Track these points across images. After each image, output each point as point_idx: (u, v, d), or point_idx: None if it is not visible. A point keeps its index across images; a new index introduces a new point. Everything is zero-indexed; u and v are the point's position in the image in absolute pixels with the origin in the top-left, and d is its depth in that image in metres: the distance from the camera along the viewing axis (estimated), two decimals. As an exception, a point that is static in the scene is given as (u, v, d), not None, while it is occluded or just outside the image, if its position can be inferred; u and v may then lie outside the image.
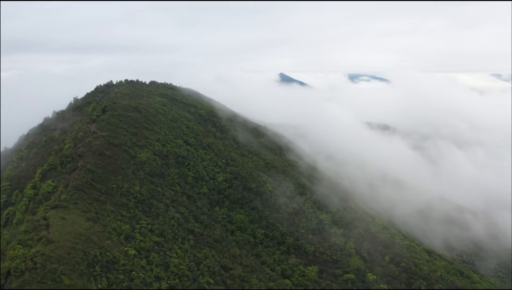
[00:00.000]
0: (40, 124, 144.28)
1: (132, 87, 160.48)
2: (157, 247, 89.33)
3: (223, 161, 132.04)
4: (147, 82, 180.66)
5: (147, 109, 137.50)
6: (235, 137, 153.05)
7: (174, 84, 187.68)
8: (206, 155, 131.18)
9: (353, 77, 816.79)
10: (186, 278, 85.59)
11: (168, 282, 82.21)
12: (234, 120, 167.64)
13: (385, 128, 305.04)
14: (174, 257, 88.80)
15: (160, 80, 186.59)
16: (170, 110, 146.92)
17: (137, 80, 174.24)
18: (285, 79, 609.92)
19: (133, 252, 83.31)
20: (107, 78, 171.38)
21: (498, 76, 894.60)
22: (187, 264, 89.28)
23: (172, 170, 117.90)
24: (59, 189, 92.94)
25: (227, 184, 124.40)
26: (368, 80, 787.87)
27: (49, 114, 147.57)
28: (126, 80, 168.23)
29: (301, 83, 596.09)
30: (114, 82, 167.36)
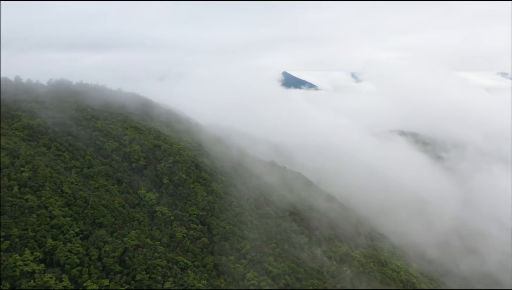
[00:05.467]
0: None
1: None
2: None
3: None
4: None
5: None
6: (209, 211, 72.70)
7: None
8: None
9: (356, 76, 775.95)
10: None
11: None
12: (202, 164, 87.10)
13: (400, 134, 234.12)
14: None
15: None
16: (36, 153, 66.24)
17: (28, 80, 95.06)
18: (289, 78, 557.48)
19: None
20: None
21: (504, 74, 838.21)
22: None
23: None
24: None
25: None
26: (371, 79, 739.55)
27: None
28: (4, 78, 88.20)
29: (304, 82, 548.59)
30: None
